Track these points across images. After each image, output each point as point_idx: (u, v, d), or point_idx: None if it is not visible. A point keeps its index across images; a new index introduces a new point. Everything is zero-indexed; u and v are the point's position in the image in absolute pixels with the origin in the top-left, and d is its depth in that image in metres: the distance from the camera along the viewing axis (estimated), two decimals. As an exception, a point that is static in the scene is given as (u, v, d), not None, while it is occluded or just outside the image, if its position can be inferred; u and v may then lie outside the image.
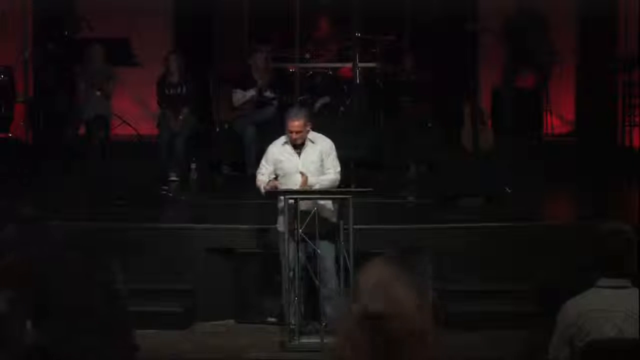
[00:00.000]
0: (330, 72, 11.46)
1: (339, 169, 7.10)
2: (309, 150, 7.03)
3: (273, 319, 7.49)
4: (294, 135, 6.96)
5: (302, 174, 6.97)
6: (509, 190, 8.77)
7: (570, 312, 4.04)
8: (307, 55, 11.47)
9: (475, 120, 10.19)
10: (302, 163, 7.01)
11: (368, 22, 11.41)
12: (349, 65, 11.34)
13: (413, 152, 10.04)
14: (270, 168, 7.06)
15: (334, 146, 7.10)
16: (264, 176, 7.04)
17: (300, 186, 6.93)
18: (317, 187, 6.99)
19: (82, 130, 10.33)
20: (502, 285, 7.46)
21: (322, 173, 7.05)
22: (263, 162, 7.12)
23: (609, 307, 3.99)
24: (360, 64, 11.22)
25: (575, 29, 11.04)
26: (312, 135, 7.06)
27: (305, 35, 11.43)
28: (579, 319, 4.00)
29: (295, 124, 6.95)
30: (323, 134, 7.17)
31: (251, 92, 10.13)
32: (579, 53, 10.99)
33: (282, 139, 7.10)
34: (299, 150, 7.03)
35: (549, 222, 8.33)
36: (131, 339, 3.60)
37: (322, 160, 7.04)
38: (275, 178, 7.05)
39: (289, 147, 7.04)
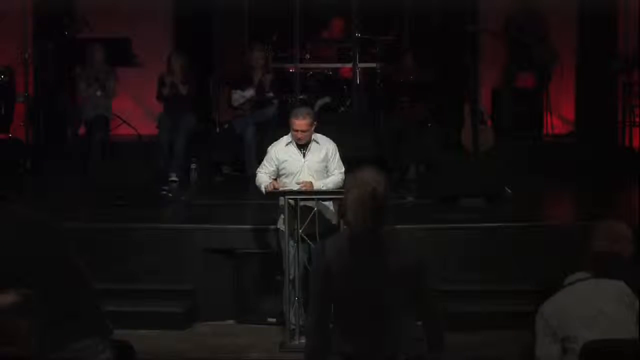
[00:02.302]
0: (330, 72, 11.47)
1: (343, 169, 7.08)
2: (314, 151, 7.00)
3: (273, 320, 7.49)
4: (299, 135, 6.93)
5: (306, 183, 6.93)
6: (509, 190, 8.77)
7: (547, 308, 4.10)
8: (307, 56, 11.48)
9: (475, 120, 10.20)
10: (308, 163, 6.99)
11: (368, 22, 11.42)
12: (349, 65, 11.35)
13: (413, 152, 10.04)
14: (272, 168, 7.03)
15: (337, 147, 7.09)
16: (264, 175, 7.03)
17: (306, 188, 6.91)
18: (323, 189, 6.97)
19: (82, 130, 10.33)
20: (502, 285, 7.46)
21: (326, 174, 7.04)
22: (265, 162, 7.08)
23: (583, 296, 4.05)
24: (360, 64, 11.23)
25: (576, 29, 11.04)
26: (315, 136, 7.04)
27: (314, 35, 11.47)
28: (557, 312, 4.05)
29: (301, 123, 6.91)
30: (323, 134, 7.16)
31: (250, 92, 10.13)
32: (579, 53, 11.00)
33: (285, 139, 7.07)
34: (303, 151, 7.01)
35: (549, 222, 8.33)
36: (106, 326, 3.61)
37: (326, 162, 7.03)
38: (276, 178, 7.04)
39: (293, 147, 7.01)
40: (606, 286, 4.08)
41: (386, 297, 3.99)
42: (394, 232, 4.12)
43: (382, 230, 4.00)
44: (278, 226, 7.10)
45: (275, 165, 7.02)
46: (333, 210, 7.02)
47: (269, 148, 7.13)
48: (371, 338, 3.99)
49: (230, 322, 7.66)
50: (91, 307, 3.53)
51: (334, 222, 6.96)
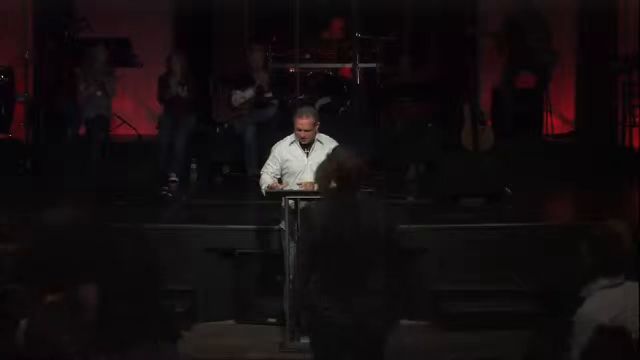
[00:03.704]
0: (331, 73, 11.47)
1: None
2: (318, 151, 6.96)
3: (273, 320, 7.48)
4: (302, 134, 6.93)
5: (306, 183, 6.93)
6: (509, 190, 8.76)
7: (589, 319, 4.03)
8: (307, 56, 11.47)
9: (475, 120, 10.19)
10: (311, 163, 6.97)
11: (368, 22, 11.42)
12: (349, 65, 11.34)
13: (413, 152, 10.03)
14: (276, 167, 7.03)
15: None
16: (267, 176, 7.02)
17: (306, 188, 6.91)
18: None
19: (82, 130, 10.33)
20: (502, 285, 7.46)
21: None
22: (269, 161, 7.08)
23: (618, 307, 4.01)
24: (360, 64, 11.22)
25: (576, 28, 11.04)
26: (319, 136, 7.03)
27: (314, 35, 11.46)
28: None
29: (305, 122, 6.91)
30: (323, 134, 7.16)
31: (250, 92, 10.13)
32: (579, 53, 11.00)
33: (289, 138, 7.07)
34: (307, 151, 7.00)
35: (549, 222, 8.33)
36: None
37: (329, 162, 7.02)
38: (280, 178, 7.03)
39: (297, 147, 7.01)
40: (631, 288, 4.07)
41: (358, 254, 4.63)
42: (369, 197, 4.96)
43: (359, 194, 4.83)
44: (281, 226, 7.09)
45: (279, 164, 7.02)
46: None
47: (273, 147, 7.13)
48: (346, 296, 4.58)
49: (230, 322, 7.65)
50: (156, 308, 3.34)
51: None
